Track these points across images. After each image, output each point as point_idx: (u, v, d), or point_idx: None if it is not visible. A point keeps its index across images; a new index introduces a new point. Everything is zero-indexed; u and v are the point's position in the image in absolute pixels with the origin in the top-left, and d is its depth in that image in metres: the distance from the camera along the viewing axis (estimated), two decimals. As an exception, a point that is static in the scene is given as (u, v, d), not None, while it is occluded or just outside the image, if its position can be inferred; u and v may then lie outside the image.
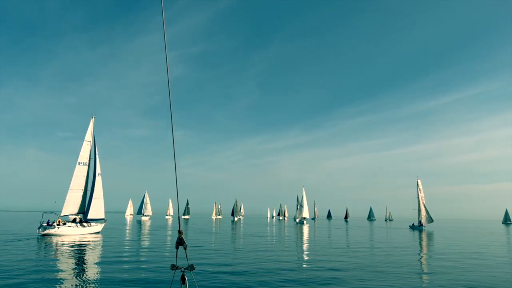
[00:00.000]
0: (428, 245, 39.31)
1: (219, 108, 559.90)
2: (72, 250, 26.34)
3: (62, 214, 43.12)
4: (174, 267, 3.88)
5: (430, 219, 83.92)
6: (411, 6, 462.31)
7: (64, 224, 41.88)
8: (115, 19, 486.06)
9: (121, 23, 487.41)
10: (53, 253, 24.71)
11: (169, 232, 51.62)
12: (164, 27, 3.56)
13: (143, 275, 16.21)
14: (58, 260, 21.00)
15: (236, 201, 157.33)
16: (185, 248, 3.95)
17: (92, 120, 47.42)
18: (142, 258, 22.15)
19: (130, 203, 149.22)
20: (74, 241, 33.43)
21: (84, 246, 29.13)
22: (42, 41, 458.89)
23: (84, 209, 45.30)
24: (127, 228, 63.59)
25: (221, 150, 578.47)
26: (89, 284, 14.07)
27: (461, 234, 65.53)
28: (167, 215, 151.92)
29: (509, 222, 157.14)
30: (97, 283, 14.22)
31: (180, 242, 3.93)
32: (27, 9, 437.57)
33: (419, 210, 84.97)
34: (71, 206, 44.10)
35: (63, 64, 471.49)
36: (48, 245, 30.07)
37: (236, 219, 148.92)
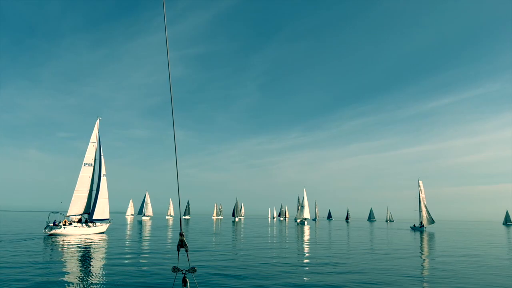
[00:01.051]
0: (430, 246, 39.28)
1: (219, 109, 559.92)
2: (77, 251, 26.51)
3: (68, 214, 43.53)
4: (175, 269, 3.86)
5: (431, 220, 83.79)
6: (412, 7, 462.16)
7: (70, 224, 42.26)
8: (116, 19, 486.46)
9: (122, 24, 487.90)
10: (58, 253, 24.89)
11: (170, 233, 51.62)
12: (165, 28, 3.54)
13: (144, 277, 16.18)
14: (63, 261, 21.11)
15: (237, 202, 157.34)
16: (186, 251, 3.94)
17: (97, 122, 47.76)
18: (144, 260, 22.14)
19: (130, 204, 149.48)
20: (80, 241, 33.65)
21: (89, 247, 29.26)
22: (42, 42, 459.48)
23: (89, 209, 45.65)
24: (130, 228, 63.68)
25: (221, 150, 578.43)
26: (91, 286, 14.05)
27: (462, 235, 65.43)
28: (167, 216, 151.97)
29: (510, 223, 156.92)
30: (99, 285, 14.21)
31: (181, 244, 3.91)
32: (27, 10, 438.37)
33: (420, 211, 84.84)
34: (77, 206, 44.47)
35: (63, 65, 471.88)
36: (54, 245, 30.33)
37: (236, 219, 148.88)
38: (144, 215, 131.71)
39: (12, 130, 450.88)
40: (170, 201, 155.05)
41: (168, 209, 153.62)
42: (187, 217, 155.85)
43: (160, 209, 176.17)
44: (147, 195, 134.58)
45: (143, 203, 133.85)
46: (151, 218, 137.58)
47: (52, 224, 40.95)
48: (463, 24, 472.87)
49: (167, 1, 3.64)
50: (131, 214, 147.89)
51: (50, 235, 39.22)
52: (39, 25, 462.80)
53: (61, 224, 41.05)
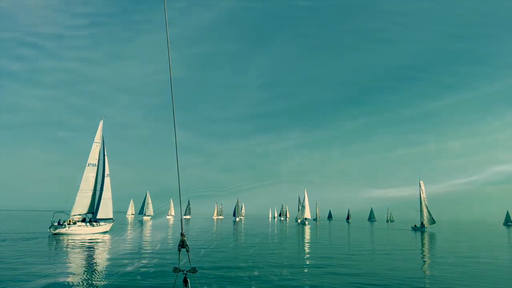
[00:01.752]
0: (431, 247, 39.30)
1: (220, 108, 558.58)
2: (82, 251, 26.78)
3: (72, 214, 43.99)
4: (176, 269, 3.86)
5: (432, 221, 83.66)
6: (413, 8, 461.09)
7: (75, 223, 42.69)
8: (117, 19, 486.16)
9: (123, 23, 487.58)
10: (63, 253, 25.17)
11: (171, 233, 51.68)
12: (167, 27, 3.53)
13: (145, 277, 16.21)
14: (67, 261, 21.36)
15: (237, 202, 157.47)
16: (187, 251, 3.94)
17: (101, 122, 48.28)
18: (145, 261, 22.16)
19: (131, 203, 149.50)
20: (84, 241, 33.80)
21: (92, 247, 29.51)
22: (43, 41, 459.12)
23: (93, 209, 46.08)
24: (131, 228, 63.89)
25: (222, 150, 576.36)
26: (93, 286, 14.11)
27: (463, 235, 65.40)
28: (168, 215, 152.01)
29: (510, 224, 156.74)
30: (101, 285, 14.25)
31: (182, 244, 3.91)
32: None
33: (421, 211, 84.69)
34: (81, 206, 44.92)
35: (64, 64, 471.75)
36: (59, 244, 30.56)
37: (237, 219, 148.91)
38: (145, 214, 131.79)
39: (12, 129, 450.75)
40: (171, 201, 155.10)
41: (169, 209, 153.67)
42: (187, 217, 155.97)
43: (160, 209, 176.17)
44: (148, 195, 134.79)
45: (144, 202, 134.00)
46: (152, 217, 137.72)
47: (56, 224, 41.38)
48: (464, 24, 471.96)
49: (168, 1, 3.63)
50: (132, 214, 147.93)
51: (55, 234, 39.61)
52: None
53: (65, 223, 41.49)
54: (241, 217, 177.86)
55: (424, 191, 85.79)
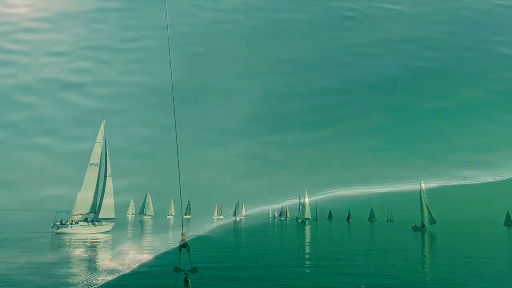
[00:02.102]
0: (432, 247, 39.29)
1: (221, 108, 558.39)
2: (84, 251, 26.97)
3: (74, 213, 44.19)
4: (177, 269, 3.86)
5: (432, 220, 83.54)
6: (415, 8, 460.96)
7: (77, 223, 42.91)
8: (117, 17, 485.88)
9: (123, 22, 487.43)
10: (65, 253, 25.23)
11: (171, 233, 51.72)
12: (167, 26, 3.53)
13: (146, 277, 16.22)
14: (69, 261, 21.50)
15: (238, 202, 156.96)
16: (188, 251, 3.93)
17: (103, 123, 48.41)
18: (145, 261, 22.14)
19: (131, 203, 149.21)
20: (86, 241, 33.98)
21: (94, 247, 29.52)
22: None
23: (95, 208, 46.27)
24: (132, 228, 63.99)
25: (222, 150, 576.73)
26: (94, 286, 14.13)
27: (463, 235, 65.41)
28: (168, 215, 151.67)
29: (510, 224, 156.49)
30: (102, 285, 14.26)
31: (183, 244, 3.90)
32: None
33: (421, 211, 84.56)
34: (83, 206, 45.14)
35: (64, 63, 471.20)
36: (61, 244, 30.70)
37: (237, 219, 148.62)
38: (145, 214, 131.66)
39: (12, 128, 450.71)
40: (171, 201, 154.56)
41: (169, 208, 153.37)
42: (188, 216, 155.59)
43: (161, 209, 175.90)
44: (148, 195, 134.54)
45: (144, 202, 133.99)
46: (152, 217, 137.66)
47: (59, 223, 41.56)
48: (466, 22, 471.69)
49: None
50: (132, 214, 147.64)
51: (57, 233, 39.82)
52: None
53: (67, 223, 41.70)
54: (241, 217, 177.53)
55: (424, 191, 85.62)
